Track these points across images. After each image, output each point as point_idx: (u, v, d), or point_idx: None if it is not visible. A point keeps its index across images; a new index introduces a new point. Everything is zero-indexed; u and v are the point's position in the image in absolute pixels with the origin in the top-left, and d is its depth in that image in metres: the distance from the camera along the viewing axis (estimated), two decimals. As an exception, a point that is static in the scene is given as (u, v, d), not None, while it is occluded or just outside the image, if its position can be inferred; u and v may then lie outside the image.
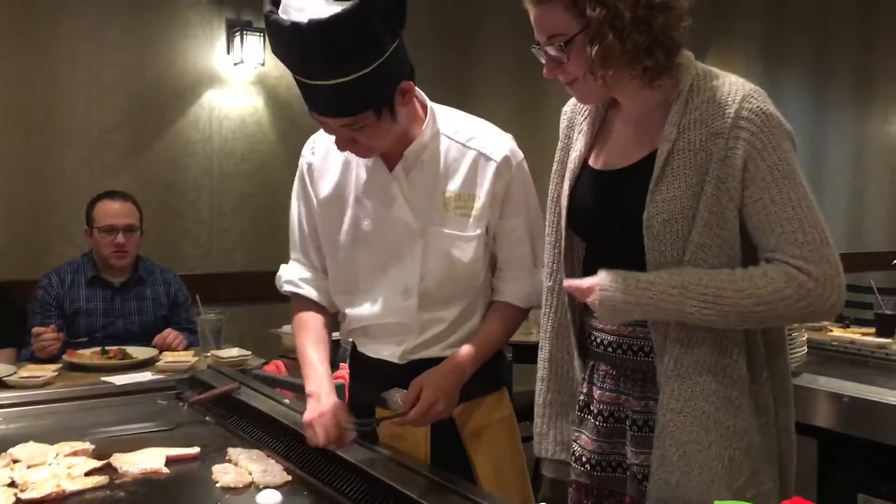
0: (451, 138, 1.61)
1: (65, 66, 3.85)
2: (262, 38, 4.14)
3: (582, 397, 1.52)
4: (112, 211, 3.00)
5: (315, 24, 1.35)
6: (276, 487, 1.47)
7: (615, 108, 1.49)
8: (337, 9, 1.36)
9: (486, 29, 4.97)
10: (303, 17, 1.36)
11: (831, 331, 3.23)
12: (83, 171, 3.89)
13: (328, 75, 1.39)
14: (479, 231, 1.59)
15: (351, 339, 1.76)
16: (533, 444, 1.61)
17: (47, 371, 2.36)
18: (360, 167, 1.63)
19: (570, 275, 1.51)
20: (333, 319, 1.75)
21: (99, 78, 3.92)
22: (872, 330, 3.15)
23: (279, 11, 1.40)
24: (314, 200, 1.68)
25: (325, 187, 1.66)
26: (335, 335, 1.77)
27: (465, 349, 1.60)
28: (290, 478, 1.51)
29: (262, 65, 4.19)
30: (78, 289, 2.99)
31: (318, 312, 1.72)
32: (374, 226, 1.61)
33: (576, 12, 1.30)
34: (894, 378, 2.45)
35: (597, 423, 1.48)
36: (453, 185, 1.59)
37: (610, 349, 1.46)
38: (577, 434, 1.53)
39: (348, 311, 1.69)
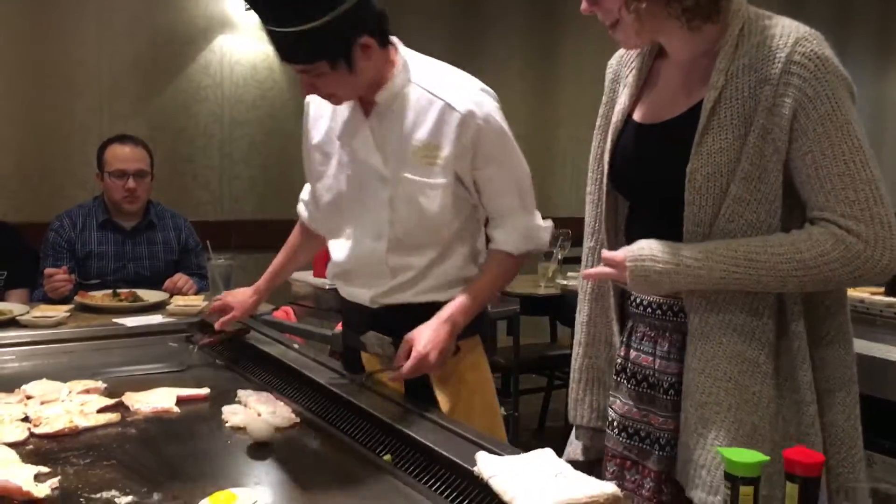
0: (422, 87, 1.63)
1: (74, 12, 3.81)
2: (274, -18, 4.07)
3: (619, 360, 1.47)
4: (123, 155, 3.00)
5: None
6: (285, 428, 1.49)
7: (663, 59, 1.42)
8: None
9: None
10: None
11: (841, 290, 3.22)
12: (94, 117, 3.88)
13: (277, 23, 1.48)
14: (445, 180, 1.61)
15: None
16: (568, 411, 1.57)
17: (59, 311, 2.39)
18: (343, 113, 1.69)
19: (613, 235, 1.47)
20: (318, 242, 1.94)
21: (109, 23, 3.89)
22: (882, 289, 3.15)
23: None
24: (311, 143, 1.78)
25: (318, 131, 1.76)
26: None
27: (458, 300, 1.63)
28: (297, 419, 1.54)
29: (274, 10, 4.14)
30: (90, 232, 3.00)
31: (304, 233, 1.97)
32: (352, 170, 1.68)
33: None
34: (902, 337, 2.45)
35: (630, 386, 1.44)
36: (420, 134, 1.61)
37: (649, 310, 1.41)
38: (612, 398, 1.48)
39: (332, 251, 1.79)
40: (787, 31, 1.26)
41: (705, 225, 1.29)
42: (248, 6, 1.51)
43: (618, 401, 1.46)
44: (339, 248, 1.76)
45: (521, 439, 3.77)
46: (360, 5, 1.50)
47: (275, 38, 1.51)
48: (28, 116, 3.76)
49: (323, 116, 1.74)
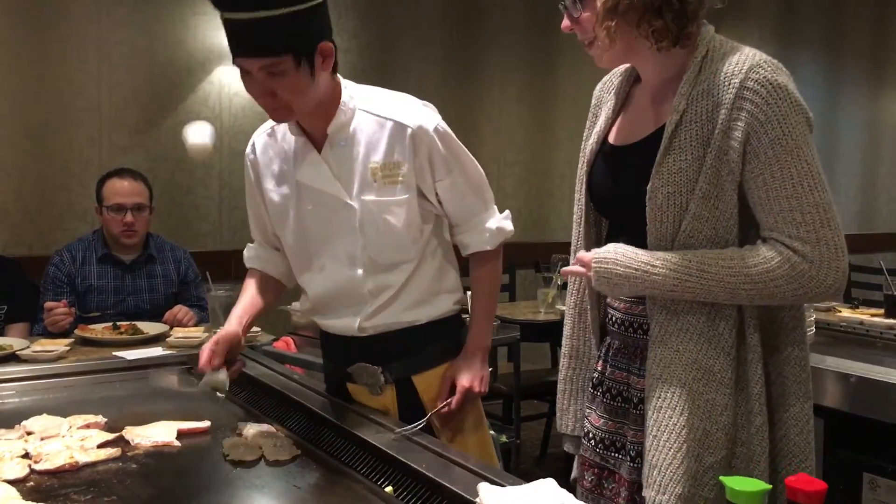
0: (369, 112, 1.66)
1: (74, 43, 3.85)
2: (271, 15, 4.11)
3: (596, 375, 1.54)
4: (121, 189, 3.01)
5: None
6: (286, 461, 1.49)
7: (638, 84, 1.49)
8: None
9: (494, 12, 4.95)
10: None
11: (840, 311, 3.23)
12: (93, 149, 3.90)
13: (251, 6, 1.44)
14: (407, 195, 1.66)
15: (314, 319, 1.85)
16: (556, 420, 1.65)
17: (60, 345, 2.38)
18: (294, 154, 1.70)
19: None
20: (278, 285, 1.88)
21: (108, 55, 3.92)
22: (881, 311, 3.15)
23: None
24: (262, 194, 1.79)
25: (270, 180, 1.76)
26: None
27: (473, 326, 1.77)
28: (299, 452, 1.53)
29: (272, 42, 4.18)
30: (89, 266, 3.01)
31: (265, 277, 1.88)
32: (314, 205, 1.69)
33: None
34: (902, 359, 2.45)
35: (605, 400, 1.50)
36: (377, 157, 1.65)
37: (622, 327, 1.47)
38: (589, 411, 1.55)
39: (306, 287, 1.79)
40: (743, 57, 1.31)
41: (667, 240, 1.36)
42: (225, 6, 1.47)
43: (593, 413, 1.53)
44: (313, 283, 1.76)
45: (522, 466, 3.75)
46: (323, 7, 1.52)
47: (243, 28, 1.47)
48: (28, 148, 3.79)
49: (270, 164, 1.75)
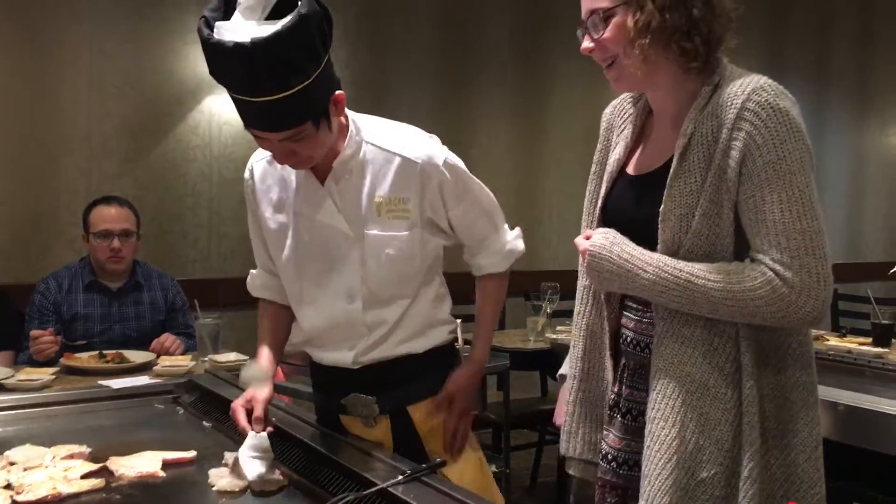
0: (375, 146, 1.65)
1: (65, 71, 3.86)
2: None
3: (612, 396, 1.53)
4: (108, 216, 3.00)
5: (260, 43, 1.38)
6: (273, 492, 1.47)
7: (653, 116, 1.51)
8: (273, 28, 1.39)
9: (485, 41, 5.00)
10: (243, 38, 1.39)
11: (828, 340, 3.24)
12: (82, 177, 3.90)
13: (273, 91, 1.43)
14: (413, 230, 1.65)
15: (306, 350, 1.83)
16: (560, 443, 1.64)
17: (45, 374, 2.36)
18: (295, 184, 1.68)
19: None
20: (290, 312, 1.82)
21: (99, 84, 3.93)
22: (869, 339, 3.17)
23: (214, 35, 1.43)
24: (262, 220, 1.76)
25: (267, 207, 1.73)
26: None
27: (477, 343, 1.82)
28: (286, 482, 1.51)
29: (263, 71, 4.20)
30: (76, 294, 2.99)
31: (279, 308, 1.83)
32: (313, 237, 1.67)
33: None
34: (891, 387, 2.46)
35: (625, 421, 1.49)
36: (382, 191, 1.64)
37: (638, 348, 1.47)
38: (606, 432, 1.53)
39: (300, 319, 1.76)
40: (748, 80, 1.33)
41: (672, 257, 1.38)
42: (239, 92, 1.45)
43: (611, 435, 1.52)
44: (309, 315, 1.73)
45: (513, 497, 3.72)
46: (329, 60, 1.52)
47: (265, 110, 1.45)
48: (17, 176, 3.78)
49: (269, 192, 1.72)
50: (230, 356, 2.72)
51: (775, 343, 1.38)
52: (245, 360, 2.70)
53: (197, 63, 4.14)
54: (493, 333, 1.84)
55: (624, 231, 1.45)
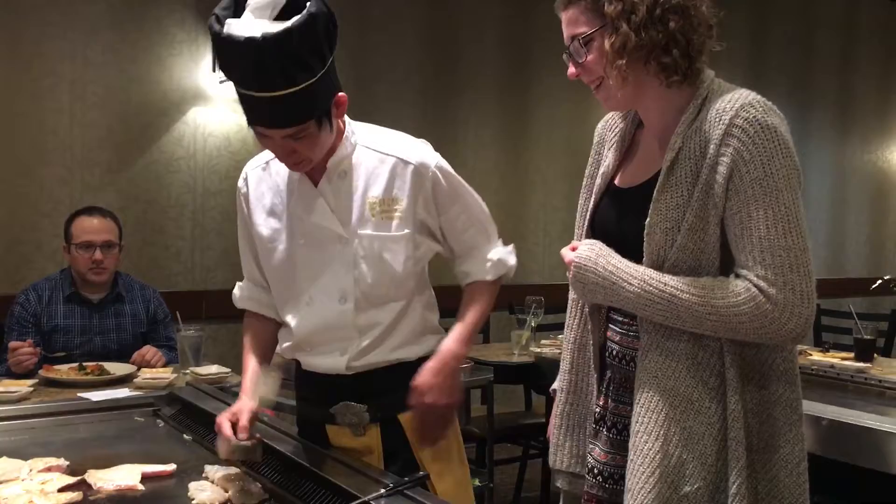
0: (369, 148, 1.69)
1: (48, 81, 3.84)
2: (248, 56, 4.14)
3: (598, 409, 1.53)
4: (90, 227, 2.97)
5: (270, 37, 1.43)
6: (253, 505, 1.45)
7: (642, 129, 1.52)
8: (283, 25, 1.44)
9: (471, 58, 5.02)
10: (254, 33, 1.43)
11: (811, 355, 3.25)
12: (64, 188, 3.87)
13: (280, 86, 1.46)
14: (406, 231, 1.66)
15: (295, 358, 1.79)
16: (548, 456, 1.63)
17: (23, 386, 2.33)
18: (289, 188, 1.71)
19: None
20: (277, 325, 1.81)
21: (83, 93, 3.92)
22: (852, 354, 3.18)
23: (224, 30, 1.47)
24: (253, 227, 1.76)
25: (260, 213, 1.74)
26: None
27: (453, 333, 1.70)
28: (267, 496, 1.50)
29: (248, 83, 4.19)
30: (55, 305, 2.96)
31: (263, 321, 1.82)
32: (307, 239, 1.68)
33: (596, 11, 1.37)
34: (873, 402, 2.47)
35: (610, 435, 1.49)
36: (376, 192, 1.66)
37: (623, 361, 1.47)
38: (592, 446, 1.53)
39: (291, 323, 1.74)
40: (737, 96, 1.33)
41: (657, 270, 1.38)
42: (247, 86, 1.48)
43: (597, 449, 1.51)
44: (300, 317, 1.71)
45: (497, 511, 3.70)
46: (333, 61, 1.55)
47: (271, 105, 1.48)
48: (-3, 188, 3.75)
49: (263, 197, 1.74)
50: (212, 369, 2.69)
51: (760, 359, 1.38)
52: (227, 373, 2.68)
53: (182, 74, 4.13)
54: (474, 337, 1.74)
55: (611, 243, 1.45)
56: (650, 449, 1.34)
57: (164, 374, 2.55)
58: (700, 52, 1.38)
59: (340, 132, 1.67)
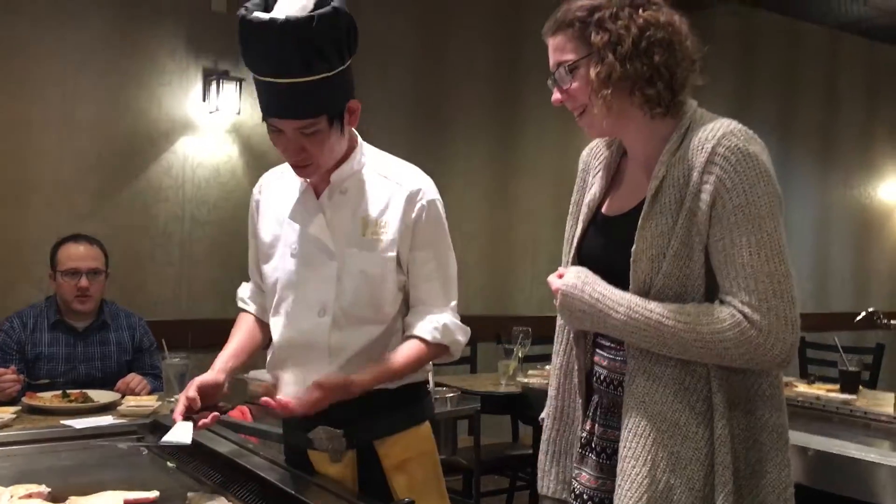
0: (374, 169, 1.73)
1: (38, 107, 3.85)
2: (237, 86, 4.17)
3: (584, 434, 1.53)
4: (76, 254, 2.96)
5: (293, 21, 1.49)
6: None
7: (628, 157, 1.53)
8: (306, 13, 1.50)
9: (459, 89, 5.07)
10: (278, 16, 1.49)
11: (797, 387, 3.27)
12: (52, 214, 3.86)
13: (296, 72, 1.51)
14: (390, 254, 1.68)
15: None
16: (537, 482, 1.62)
17: (6, 413, 2.30)
18: (294, 197, 1.74)
19: None
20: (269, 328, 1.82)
21: (72, 121, 3.92)
22: (837, 386, 3.20)
23: (249, 15, 1.52)
24: (258, 233, 1.81)
25: (267, 219, 1.80)
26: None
27: (364, 376, 1.64)
28: (250, 523, 1.48)
29: (238, 114, 4.22)
30: (40, 333, 2.94)
31: (255, 320, 1.87)
32: (299, 248, 1.71)
33: (583, 40, 1.40)
34: (858, 433, 2.48)
35: (599, 460, 1.49)
36: (369, 212, 1.69)
37: (611, 386, 1.47)
38: (577, 471, 1.53)
39: (273, 332, 1.77)
40: (719, 125, 1.36)
41: (643, 297, 1.39)
42: (266, 71, 1.53)
43: (584, 474, 1.51)
44: (279, 327, 1.74)
45: (483, 544, 3.66)
46: (350, 68, 1.61)
47: (282, 91, 1.53)
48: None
49: (271, 205, 1.79)
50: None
51: (746, 384, 1.38)
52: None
53: (172, 104, 4.15)
54: (386, 377, 1.66)
55: (597, 270, 1.46)
56: (638, 474, 1.34)
57: (149, 402, 2.53)
58: (683, 86, 1.40)
59: (351, 147, 1.71)
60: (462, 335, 1.74)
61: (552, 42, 1.45)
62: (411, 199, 1.68)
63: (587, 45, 1.39)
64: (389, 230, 1.67)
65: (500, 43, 5.18)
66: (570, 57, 1.42)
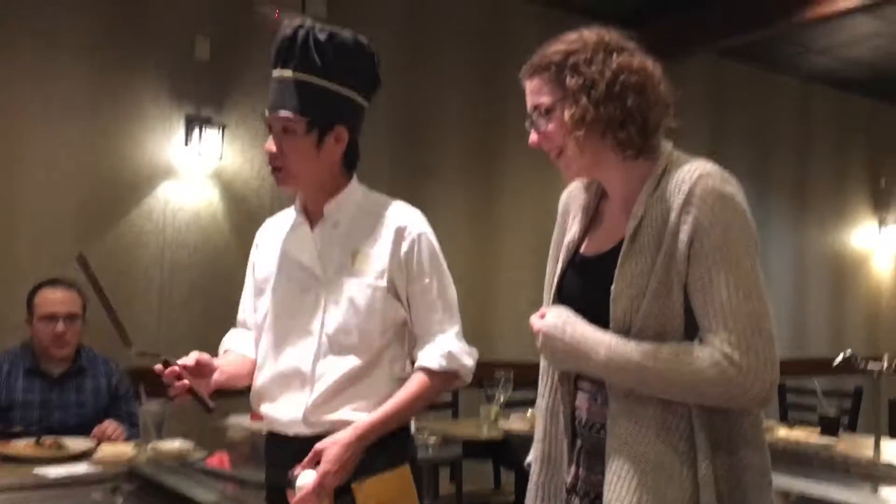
0: (366, 204, 1.81)
1: (20, 151, 3.84)
2: (220, 131, 4.20)
3: (570, 478, 1.52)
4: (54, 299, 2.94)
5: (314, 26, 1.67)
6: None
7: (606, 199, 1.56)
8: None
9: (440, 140, 5.13)
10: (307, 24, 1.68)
11: (777, 431, 3.27)
12: (32, 258, 3.82)
13: (294, 65, 1.66)
14: (378, 284, 1.71)
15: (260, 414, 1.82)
16: None
17: (-23, 462, 2.26)
18: (288, 230, 1.82)
19: None
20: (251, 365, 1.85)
21: (54, 165, 3.92)
22: (817, 430, 3.21)
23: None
24: (255, 270, 1.88)
25: (262, 254, 1.87)
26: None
27: (373, 416, 1.67)
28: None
29: (220, 158, 4.24)
30: (15, 379, 2.89)
31: (240, 353, 1.89)
32: (291, 280, 1.77)
33: (558, 83, 1.43)
34: (838, 476, 2.48)
35: (584, 503, 1.47)
36: (359, 245, 1.75)
37: (593, 430, 1.47)
38: None
39: (259, 363, 1.80)
40: (695, 166, 1.39)
41: (624, 336, 1.39)
42: (276, 57, 1.68)
43: None
44: (267, 358, 1.78)
45: None
46: (359, 105, 1.74)
47: (280, 86, 1.68)
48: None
49: (269, 239, 1.86)
50: (175, 443, 2.63)
51: (728, 424, 1.38)
52: (191, 447, 2.62)
53: (154, 150, 4.16)
54: (390, 425, 1.69)
55: (578, 310, 1.47)
56: None
57: (125, 449, 2.49)
58: (656, 130, 1.43)
59: (345, 186, 1.78)
60: (469, 359, 1.76)
61: (529, 85, 1.48)
62: (399, 233, 1.73)
63: (562, 88, 1.42)
64: (379, 262, 1.72)
65: (478, 94, 5.25)
66: (545, 100, 1.44)
